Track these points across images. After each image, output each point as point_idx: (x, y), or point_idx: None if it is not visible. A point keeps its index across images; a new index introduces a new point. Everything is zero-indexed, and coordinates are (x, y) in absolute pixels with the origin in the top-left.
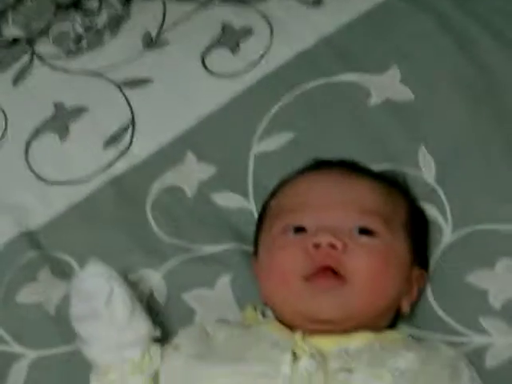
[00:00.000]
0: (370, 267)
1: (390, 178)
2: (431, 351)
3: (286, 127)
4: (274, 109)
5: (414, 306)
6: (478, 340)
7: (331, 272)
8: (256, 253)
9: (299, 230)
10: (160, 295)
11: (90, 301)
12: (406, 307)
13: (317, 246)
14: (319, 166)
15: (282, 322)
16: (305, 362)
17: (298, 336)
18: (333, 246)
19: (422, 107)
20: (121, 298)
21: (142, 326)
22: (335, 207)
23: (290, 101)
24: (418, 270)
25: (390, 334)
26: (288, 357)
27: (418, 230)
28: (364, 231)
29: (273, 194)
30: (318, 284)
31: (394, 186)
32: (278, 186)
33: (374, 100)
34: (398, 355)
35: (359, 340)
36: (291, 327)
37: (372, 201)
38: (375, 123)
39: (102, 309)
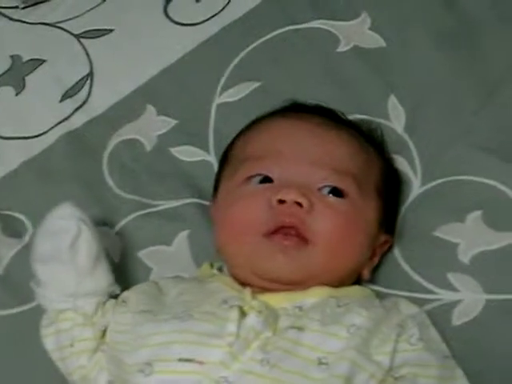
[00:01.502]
0: (335, 230)
1: (367, 133)
2: (390, 310)
3: (251, 76)
4: (239, 57)
5: (380, 263)
6: (446, 297)
7: (293, 231)
8: (215, 196)
9: (265, 179)
10: (115, 253)
11: (55, 240)
12: (366, 274)
13: (281, 201)
14: (294, 109)
15: (234, 276)
16: (251, 320)
17: (247, 292)
18: (298, 204)
19: (392, 54)
20: (87, 242)
21: (103, 278)
22: (307, 161)
23: (256, 49)
24: (384, 235)
25: (350, 290)
26: (235, 314)
27: (390, 194)
28: (333, 191)
29: (240, 135)
30: (277, 241)
31: (371, 142)
32: (247, 127)
33: (343, 47)
34: (354, 312)
35: (315, 295)
36: (243, 283)
37: (347, 159)
38: (344, 71)
39: (65, 250)
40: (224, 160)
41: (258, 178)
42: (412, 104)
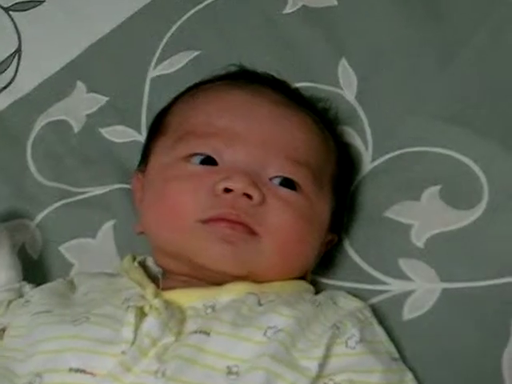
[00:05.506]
0: (287, 227)
1: (323, 114)
2: (323, 306)
3: (189, 45)
4: (176, 25)
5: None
6: (396, 287)
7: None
8: (142, 167)
9: (207, 160)
10: (33, 247)
11: None
12: (309, 276)
13: (228, 190)
14: (243, 77)
15: (159, 263)
16: (148, 323)
17: (149, 290)
18: (247, 196)
19: (344, 14)
20: None
21: (1, 275)
22: (260, 146)
23: (195, 15)
24: (331, 235)
25: (279, 285)
26: (131, 317)
27: (343, 190)
28: (286, 182)
29: (180, 100)
30: (219, 229)
31: (329, 128)
32: (190, 93)
33: (290, 8)
34: (275, 311)
35: (232, 292)
36: (168, 271)
37: (306, 148)
38: (291, 35)
39: None
40: (158, 127)
41: (200, 158)
42: (365, 69)
